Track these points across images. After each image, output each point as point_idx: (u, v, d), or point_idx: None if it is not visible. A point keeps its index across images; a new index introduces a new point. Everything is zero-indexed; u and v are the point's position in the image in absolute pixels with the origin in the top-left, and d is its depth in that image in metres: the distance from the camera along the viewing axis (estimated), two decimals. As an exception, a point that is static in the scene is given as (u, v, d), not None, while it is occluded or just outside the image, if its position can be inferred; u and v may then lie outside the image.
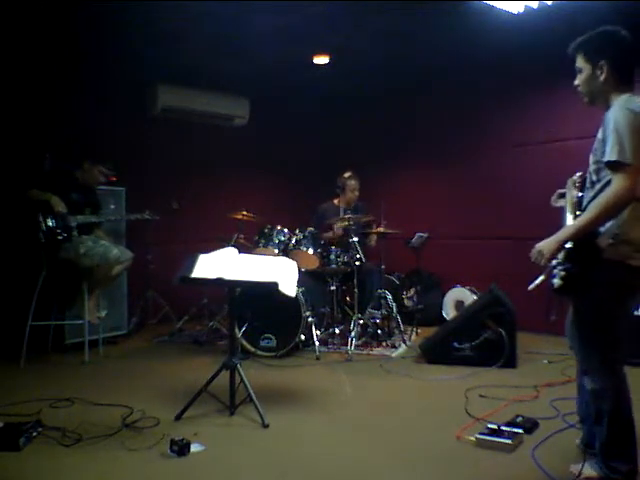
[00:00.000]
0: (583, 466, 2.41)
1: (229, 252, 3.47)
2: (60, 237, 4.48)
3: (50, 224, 4.46)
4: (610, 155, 2.17)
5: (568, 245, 2.28)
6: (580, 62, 2.39)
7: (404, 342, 5.18)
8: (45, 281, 4.49)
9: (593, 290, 2.30)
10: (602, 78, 2.33)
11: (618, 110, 2.22)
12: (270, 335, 4.74)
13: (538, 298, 4.93)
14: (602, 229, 2.25)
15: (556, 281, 2.32)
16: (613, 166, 2.17)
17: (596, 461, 2.39)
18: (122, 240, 5.32)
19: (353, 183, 5.66)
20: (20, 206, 4.58)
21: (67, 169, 4.80)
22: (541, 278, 2.41)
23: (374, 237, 5.58)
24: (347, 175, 5.69)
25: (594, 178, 2.35)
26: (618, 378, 2.33)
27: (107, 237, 4.87)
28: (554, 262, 2.32)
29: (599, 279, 2.27)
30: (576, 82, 2.43)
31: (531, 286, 2.44)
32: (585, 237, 2.25)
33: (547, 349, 4.86)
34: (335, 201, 5.82)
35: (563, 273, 2.29)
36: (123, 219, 5.29)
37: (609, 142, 2.18)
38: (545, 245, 2.31)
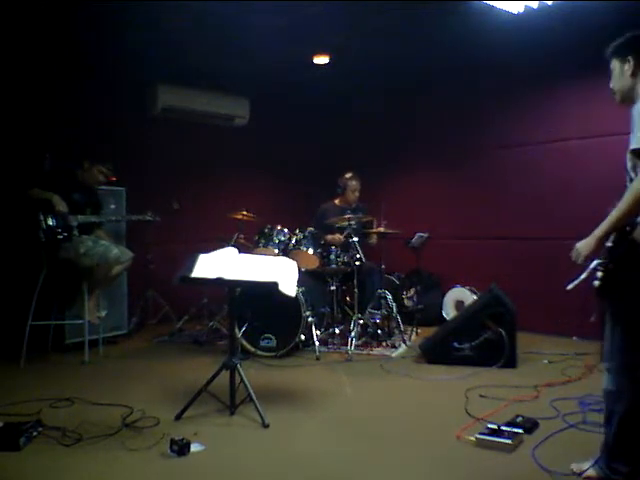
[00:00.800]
0: (591, 466, 2.40)
1: (229, 252, 3.47)
2: (60, 236, 4.48)
3: (50, 223, 4.46)
4: (637, 143, 2.15)
5: (609, 243, 2.24)
6: (612, 63, 2.41)
7: (404, 342, 5.18)
8: (45, 281, 4.49)
9: (630, 289, 2.24)
10: (629, 73, 2.34)
11: None
12: (270, 335, 4.74)
13: (538, 298, 4.93)
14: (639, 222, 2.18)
15: (596, 282, 2.27)
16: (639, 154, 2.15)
17: (597, 460, 2.38)
18: (122, 240, 5.32)
19: (354, 184, 5.68)
20: (21, 205, 4.58)
21: (68, 169, 4.81)
22: (582, 277, 2.35)
23: (374, 235, 5.58)
24: (348, 176, 5.71)
25: (632, 175, 2.30)
26: (637, 382, 2.27)
27: (107, 237, 4.87)
28: (595, 262, 2.27)
29: (637, 277, 2.21)
30: (611, 84, 2.43)
31: (570, 286, 2.38)
32: (623, 233, 2.20)
33: (547, 349, 4.86)
34: (336, 201, 5.83)
35: (601, 273, 2.24)
36: (124, 220, 5.29)
37: (634, 131, 2.17)
38: (583, 243, 2.29)
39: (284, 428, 3.16)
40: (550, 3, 4.53)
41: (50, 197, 4.44)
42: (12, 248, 4.92)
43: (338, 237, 5.44)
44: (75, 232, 4.54)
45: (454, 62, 5.96)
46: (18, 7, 4.37)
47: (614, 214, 2.19)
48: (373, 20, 4.94)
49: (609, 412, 2.35)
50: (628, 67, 2.34)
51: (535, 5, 4.55)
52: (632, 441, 2.29)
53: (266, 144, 6.93)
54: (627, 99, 2.36)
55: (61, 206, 4.46)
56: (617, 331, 2.33)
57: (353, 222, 5.13)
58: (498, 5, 4.56)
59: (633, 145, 2.16)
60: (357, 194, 5.73)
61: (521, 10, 4.62)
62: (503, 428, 2.90)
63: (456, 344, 4.45)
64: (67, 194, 4.57)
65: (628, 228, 2.20)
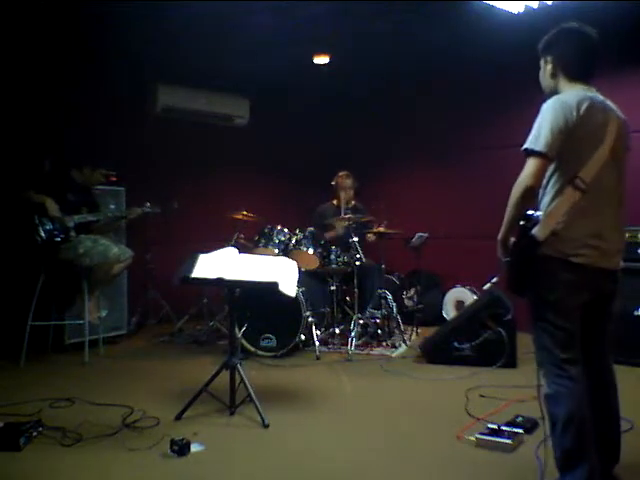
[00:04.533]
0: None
1: (229, 252, 3.47)
2: (58, 239, 4.48)
3: (47, 226, 4.45)
4: (525, 143, 2.18)
5: (513, 239, 2.26)
6: (539, 62, 2.44)
7: (404, 342, 5.18)
8: (45, 281, 4.49)
9: (535, 288, 2.23)
10: (548, 73, 2.37)
11: (550, 101, 2.22)
12: (270, 335, 4.74)
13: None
14: (541, 222, 2.19)
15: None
16: (526, 154, 2.17)
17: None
18: (122, 237, 5.31)
19: (346, 182, 5.69)
20: (18, 207, 4.58)
21: (64, 170, 4.80)
22: (496, 277, 2.39)
23: (373, 236, 5.56)
24: (341, 174, 5.75)
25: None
26: (571, 381, 2.18)
27: (107, 235, 4.85)
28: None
29: (540, 276, 2.20)
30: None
31: (485, 286, 2.42)
32: (523, 229, 2.21)
33: (547, 349, 4.86)
34: (334, 201, 5.83)
35: (507, 270, 2.26)
36: (122, 215, 5.25)
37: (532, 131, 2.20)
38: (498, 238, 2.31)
39: (284, 428, 3.16)
40: (550, 3, 4.54)
41: (43, 201, 4.43)
42: (12, 249, 4.92)
43: (335, 230, 5.42)
44: (72, 233, 4.54)
45: (454, 62, 5.96)
46: (18, 8, 4.37)
47: (506, 216, 2.24)
48: (373, 20, 4.94)
49: (550, 420, 2.26)
50: (548, 68, 2.37)
51: (535, 5, 4.55)
52: (580, 450, 2.14)
53: (266, 144, 6.92)
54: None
55: (54, 210, 4.45)
56: (536, 331, 2.29)
57: (352, 222, 5.13)
58: (498, 5, 4.56)
59: (524, 145, 2.18)
60: (351, 192, 5.72)
61: (521, 10, 4.62)
62: (503, 428, 2.90)
63: (456, 344, 4.45)
64: (62, 195, 4.56)
65: (527, 223, 2.21)
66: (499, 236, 2.28)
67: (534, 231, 2.19)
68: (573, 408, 2.18)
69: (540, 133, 2.15)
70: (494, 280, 2.37)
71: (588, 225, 2.20)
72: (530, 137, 2.19)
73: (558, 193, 2.21)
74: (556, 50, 2.36)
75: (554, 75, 2.36)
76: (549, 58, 2.37)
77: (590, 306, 2.28)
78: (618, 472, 2.40)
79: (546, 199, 2.26)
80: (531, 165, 2.16)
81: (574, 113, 2.15)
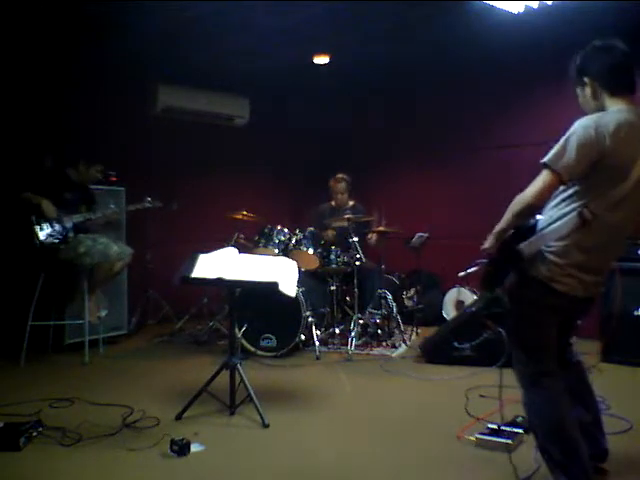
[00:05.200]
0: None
1: (229, 252, 3.47)
2: (56, 240, 4.47)
3: (45, 228, 4.45)
4: (546, 156, 2.11)
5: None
6: (576, 90, 2.33)
7: (404, 342, 5.18)
8: (45, 281, 4.48)
9: (517, 303, 2.26)
10: (589, 95, 2.25)
11: (585, 120, 2.12)
12: (270, 335, 4.74)
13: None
14: (533, 240, 2.16)
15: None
16: (543, 167, 2.12)
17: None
18: (122, 236, 5.30)
19: (337, 186, 5.69)
20: (16, 209, 4.57)
21: (61, 169, 4.80)
22: (472, 269, 2.44)
23: (374, 235, 5.56)
24: (334, 177, 5.74)
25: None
26: (546, 391, 2.23)
27: (106, 233, 4.85)
28: (485, 260, 2.31)
29: (522, 295, 2.23)
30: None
31: (461, 274, 2.46)
32: (513, 239, 2.18)
33: (547, 349, 4.86)
34: (332, 202, 5.84)
35: (484, 270, 2.27)
36: (122, 212, 5.25)
37: (556, 145, 2.12)
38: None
39: (284, 428, 3.16)
40: (550, 3, 4.53)
41: (39, 202, 4.41)
42: (12, 249, 4.91)
43: (331, 232, 5.43)
44: (71, 233, 4.53)
45: (454, 62, 5.96)
46: (18, 7, 4.36)
47: (501, 222, 2.21)
48: (373, 20, 4.94)
49: (531, 427, 2.30)
50: (588, 91, 2.26)
51: (535, 5, 4.55)
52: (567, 454, 2.16)
53: (266, 144, 6.92)
54: None
55: (51, 212, 4.44)
56: (513, 342, 2.37)
57: (352, 222, 5.14)
58: (498, 5, 4.56)
59: (544, 158, 2.12)
60: (345, 195, 5.72)
61: (521, 10, 4.62)
62: (503, 428, 2.90)
63: (456, 344, 4.45)
64: (60, 195, 4.55)
65: (515, 232, 2.19)
66: (495, 229, 2.25)
67: (522, 245, 2.15)
68: (553, 417, 2.21)
69: (564, 153, 2.07)
70: (470, 270, 2.42)
71: (578, 259, 2.15)
72: (553, 152, 2.10)
73: (563, 216, 2.15)
74: (592, 70, 2.24)
75: (596, 95, 2.23)
76: (587, 80, 2.24)
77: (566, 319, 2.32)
78: (605, 466, 2.43)
79: (549, 216, 2.21)
80: (541, 182, 2.10)
81: (607, 141, 2.05)
